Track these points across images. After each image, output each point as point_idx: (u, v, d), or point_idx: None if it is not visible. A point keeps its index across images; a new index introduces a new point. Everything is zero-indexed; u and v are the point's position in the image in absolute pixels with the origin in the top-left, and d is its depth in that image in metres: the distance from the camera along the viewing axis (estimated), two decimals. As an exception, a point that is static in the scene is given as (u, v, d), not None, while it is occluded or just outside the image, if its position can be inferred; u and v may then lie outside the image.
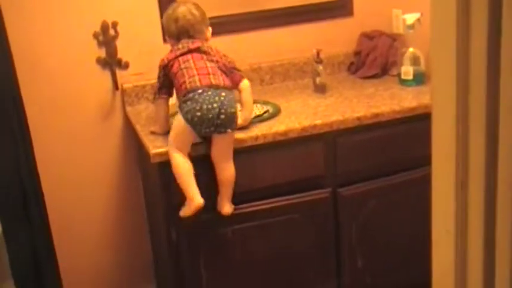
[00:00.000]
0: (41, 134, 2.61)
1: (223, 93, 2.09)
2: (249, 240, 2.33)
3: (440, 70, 0.98)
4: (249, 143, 2.22)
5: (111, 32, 2.61)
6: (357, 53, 2.93)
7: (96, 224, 2.81)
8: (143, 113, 2.58)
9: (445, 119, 0.96)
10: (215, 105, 2.06)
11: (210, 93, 2.07)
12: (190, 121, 2.08)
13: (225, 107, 2.07)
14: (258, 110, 2.51)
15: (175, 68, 2.16)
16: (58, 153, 2.67)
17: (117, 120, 2.71)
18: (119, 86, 2.67)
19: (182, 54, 2.17)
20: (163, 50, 2.61)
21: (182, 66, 2.14)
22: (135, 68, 2.68)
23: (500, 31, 0.84)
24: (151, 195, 2.57)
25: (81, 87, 2.64)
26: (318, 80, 2.67)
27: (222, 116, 2.07)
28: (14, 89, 2.46)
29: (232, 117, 2.10)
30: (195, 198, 2.11)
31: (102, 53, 2.63)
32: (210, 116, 2.06)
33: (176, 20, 2.23)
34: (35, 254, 2.59)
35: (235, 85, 2.21)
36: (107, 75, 2.66)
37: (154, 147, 2.16)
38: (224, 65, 2.20)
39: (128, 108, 2.67)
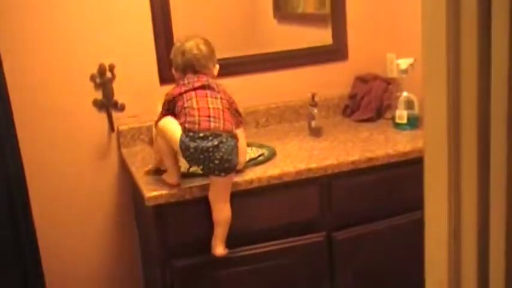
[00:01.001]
0: (36, 173, 2.61)
1: (223, 139, 2.08)
2: (243, 284, 2.32)
3: (432, 119, 0.99)
4: (244, 187, 2.22)
5: (108, 74, 2.64)
6: (352, 96, 2.96)
7: (88, 266, 2.79)
8: (139, 155, 2.58)
9: (436, 168, 0.96)
10: (205, 154, 2.06)
11: (205, 140, 2.07)
12: (184, 157, 2.11)
13: (220, 153, 2.07)
14: (253, 153, 2.52)
15: (179, 106, 2.16)
16: (52, 192, 2.67)
17: (113, 162, 2.72)
18: (115, 128, 2.69)
19: (186, 91, 2.18)
20: (160, 92, 2.64)
21: (185, 104, 2.14)
22: (131, 110, 2.69)
23: (489, 75, 0.85)
24: (146, 237, 2.56)
25: (77, 129, 2.65)
26: (313, 123, 2.69)
27: (216, 162, 2.07)
28: (11, 129, 2.47)
29: (228, 163, 2.10)
30: (173, 179, 2.18)
31: (99, 95, 2.65)
32: (201, 160, 2.08)
33: (183, 53, 2.25)
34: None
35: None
36: (103, 116, 2.67)
37: (149, 190, 2.16)
38: (228, 102, 2.21)
39: (124, 150, 2.68)
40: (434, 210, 0.99)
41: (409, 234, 2.45)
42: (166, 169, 2.22)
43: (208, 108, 2.13)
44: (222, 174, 2.10)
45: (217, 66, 2.33)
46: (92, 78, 2.63)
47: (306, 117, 2.79)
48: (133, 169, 2.42)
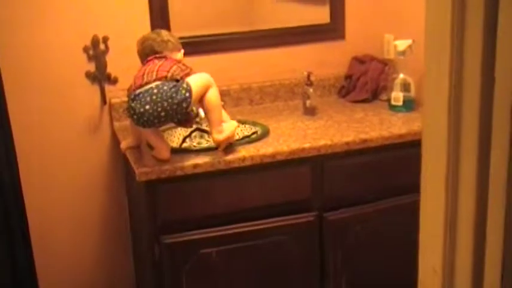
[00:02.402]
0: (27, 146, 2.58)
1: (154, 90, 2.04)
2: (233, 262, 2.31)
3: (432, 104, 0.96)
4: (237, 164, 2.20)
5: (102, 46, 2.60)
6: (348, 77, 2.93)
7: (79, 238, 2.77)
8: (130, 129, 2.55)
9: (435, 153, 0.94)
10: (147, 107, 2.03)
11: (141, 95, 2.04)
12: (135, 124, 2.12)
13: (159, 103, 2.04)
14: (247, 130, 2.50)
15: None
16: (43, 166, 2.64)
17: (105, 135, 2.69)
18: (107, 101, 2.65)
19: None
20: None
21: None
22: (124, 84, 2.64)
23: (494, 57, 0.83)
24: (136, 212, 2.54)
25: (69, 101, 2.62)
26: (308, 102, 2.66)
27: (163, 114, 2.05)
28: (1, 99, 2.43)
29: (178, 106, 2.06)
30: (163, 153, 2.14)
31: (92, 67, 2.61)
32: (152, 118, 2.06)
33: (142, 42, 2.29)
34: (14, 266, 2.54)
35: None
36: (95, 89, 2.64)
37: (141, 165, 2.14)
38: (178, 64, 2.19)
39: (116, 124, 2.65)
40: (431, 196, 0.97)
41: (401, 217, 2.44)
42: (154, 148, 2.19)
43: (148, 68, 2.12)
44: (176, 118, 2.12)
45: (182, 51, 2.31)
46: (85, 49, 2.59)
47: (301, 96, 2.76)
48: (124, 143, 2.39)
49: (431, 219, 0.94)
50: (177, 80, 2.10)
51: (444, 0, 0.87)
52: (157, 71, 2.10)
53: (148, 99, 2.03)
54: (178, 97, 2.05)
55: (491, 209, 0.86)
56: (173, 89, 2.05)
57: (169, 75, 2.09)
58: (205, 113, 2.21)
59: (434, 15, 0.91)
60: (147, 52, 2.25)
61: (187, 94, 2.07)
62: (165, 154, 2.15)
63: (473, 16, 0.85)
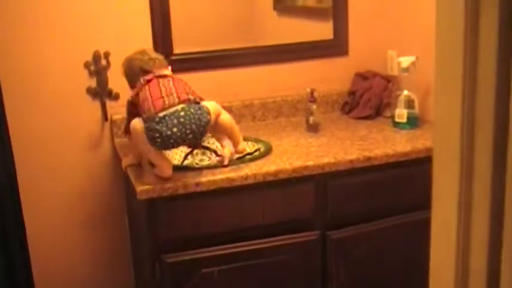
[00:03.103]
0: (27, 162, 2.56)
1: (181, 113, 2.03)
2: (235, 281, 2.27)
3: (444, 118, 0.93)
4: (239, 183, 2.17)
5: (103, 62, 2.58)
6: (351, 93, 2.91)
7: (79, 256, 2.74)
8: (131, 146, 2.52)
9: (446, 172, 0.91)
10: (174, 129, 2.02)
11: (167, 118, 2.02)
12: (155, 146, 2.07)
13: (188, 125, 2.03)
14: (249, 147, 2.48)
15: (139, 104, 2.13)
16: (42, 182, 2.61)
17: (106, 152, 2.67)
18: (109, 117, 2.63)
19: (140, 89, 2.15)
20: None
21: (141, 98, 2.11)
22: (125, 99, 2.60)
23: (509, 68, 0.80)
24: (137, 230, 2.51)
25: (70, 117, 2.59)
26: (311, 119, 2.64)
27: (190, 136, 2.05)
28: (1, 115, 2.40)
29: (201, 129, 2.07)
30: (165, 170, 2.11)
31: (93, 83, 2.59)
32: (177, 141, 2.05)
33: (129, 64, 2.25)
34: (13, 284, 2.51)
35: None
36: (96, 105, 2.62)
37: (142, 183, 2.11)
38: (184, 84, 2.18)
39: (117, 140, 2.62)
40: (442, 221, 0.94)
41: (405, 235, 2.42)
42: (155, 166, 2.16)
43: (160, 91, 2.10)
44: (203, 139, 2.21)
45: (169, 68, 2.28)
46: (86, 65, 2.57)
47: (304, 113, 2.74)
48: (125, 161, 2.37)
49: (442, 246, 0.91)
50: (197, 102, 2.11)
51: (456, 15, 0.85)
52: (177, 93, 2.09)
53: (175, 121, 2.02)
54: (203, 119, 2.07)
55: (506, 234, 0.83)
56: (199, 111, 2.06)
57: (191, 98, 2.10)
58: (226, 133, 2.27)
59: (446, 28, 0.88)
60: (136, 72, 2.22)
61: (208, 117, 2.09)
62: (167, 172, 2.12)
63: (486, 29, 0.82)
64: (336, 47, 2.91)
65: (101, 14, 2.55)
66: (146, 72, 2.20)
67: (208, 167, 2.25)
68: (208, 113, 2.10)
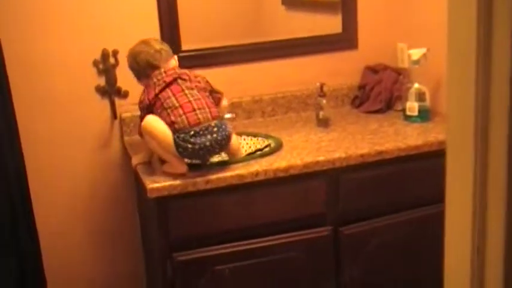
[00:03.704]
0: (36, 161, 2.55)
1: (214, 128, 2.11)
2: (246, 279, 2.26)
3: (457, 113, 0.90)
4: (250, 179, 2.15)
5: (111, 60, 2.57)
6: (361, 87, 2.88)
7: (89, 256, 2.74)
8: (142, 144, 2.51)
9: (460, 170, 0.89)
10: (207, 143, 2.10)
11: (201, 133, 2.09)
12: (182, 155, 2.12)
13: (219, 141, 2.12)
14: (259, 143, 2.46)
15: (157, 107, 2.13)
16: (52, 181, 2.61)
17: (115, 150, 2.66)
18: (118, 115, 2.62)
19: (161, 91, 2.14)
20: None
21: (165, 105, 2.11)
22: (134, 97, 2.61)
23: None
24: (148, 228, 2.50)
25: (79, 115, 2.59)
26: (321, 114, 2.61)
27: (217, 150, 2.16)
28: (11, 115, 2.39)
29: (226, 141, 2.17)
30: (180, 167, 2.13)
31: (102, 81, 2.58)
32: (207, 153, 2.15)
33: (135, 57, 2.23)
34: (24, 279, 2.50)
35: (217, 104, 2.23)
36: (105, 103, 2.61)
37: (152, 181, 2.10)
38: (203, 86, 2.21)
39: (126, 138, 2.61)
40: (456, 215, 0.92)
41: (419, 229, 2.39)
42: (169, 163, 2.16)
43: (190, 101, 2.12)
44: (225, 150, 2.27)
45: (176, 57, 2.28)
46: (95, 63, 2.56)
47: (314, 108, 2.72)
48: (135, 159, 2.36)
49: (456, 248, 0.89)
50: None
51: (468, 4, 0.82)
52: (208, 107, 2.14)
53: (209, 137, 2.10)
54: (228, 130, 2.17)
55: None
56: (225, 125, 2.16)
57: (220, 114, 2.21)
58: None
59: (458, 18, 0.85)
60: (143, 66, 2.21)
61: (230, 128, 2.20)
62: (182, 168, 2.12)
63: (499, 17, 0.79)
64: (345, 40, 2.88)
65: (109, 12, 2.53)
66: (154, 67, 2.19)
67: (219, 164, 2.24)
68: (229, 126, 2.20)
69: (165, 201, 2.10)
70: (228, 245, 2.21)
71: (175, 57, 2.28)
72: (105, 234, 2.73)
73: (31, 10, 2.44)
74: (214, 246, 2.19)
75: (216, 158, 2.44)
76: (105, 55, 2.55)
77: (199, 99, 2.14)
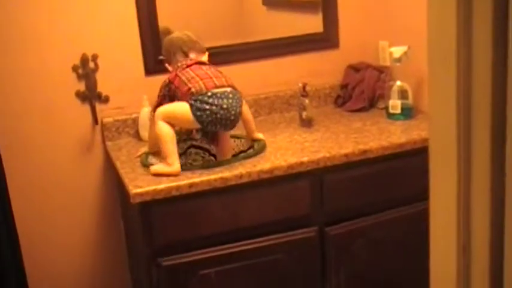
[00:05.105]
0: (17, 169, 2.52)
1: (230, 95, 2.17)
2: (233, 282, 2.24)
3: (439, 109, 0.89)
4: (234, 182, 2.14)
5: (91, 65, 2.54)
6: (344, 86, 2.88)
7: (74, 264, 2.71)
8: (124, 149, 2.49)
9: (443, 168, 0.88)
10: (224, 106, 2.14)
11: (218, 95, 2.14)
12: (200, 121, 2.14)
13: (234, 107, 2.17)
14: (243, 145, 2.44)
15: (176, 84, 2.20)
16: (34, 188, 2.58)
17: (97, 156, 2.63)
18: (99, 121, 2.59)
19: (181, 71, 2.22)
20: (145, 84, 2.57)
21: (183, 79, 2.19)
22: (115, 102, 2.60)
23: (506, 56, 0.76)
24: (132, 234, 2.47)
25: (59, 121, 2.55)
26: (304, 114, 2.60)
27: (232, 118, 2.17)
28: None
29: (240, 111, 2.22)
30: (175, 165, 2.13)
31: (82, 86, 2.55)
32: (223, 118, 2.15)
33: (171, 42, 2.34)
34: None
35: None
36: (86, 109, 2.58)
37: (135, 186, 2.07)
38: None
39: (108, 143, 2.59)
40: (441, 213, 0.91)
41: (405, 227, 2.39)
42: (164, 156, 2.15)
43: (206, 73, 2.21)
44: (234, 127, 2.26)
45: (207, 53, 2.36)
46: (74, 68, 2.53)
47: (297, 108, 2.70)
48: (118, 164, 2.33)
49: (442, 247, 0.88)
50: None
51: (448, 2, 0.81)
52: (224, 77, 2.23)
53: (225, 100, 2.15)
54: (241, 104, 2.24)
55: (508, 230, 0.80)
56: (240, 97, 2.23)
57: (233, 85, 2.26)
58: (243, 120, 2.36)
59: (438, 15, 0.84)
60: (174, 49, 2.30)
61: (243, 103, 2.28)
62: (177, 168, 2.13)
63: (480, 15, 0.79)
64: (326, 39, 2.87)
65: (88, 16, 2.50)
66: (184, 53, 2.29)
67: (203, 166, 2.22)
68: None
69: (149, 206, 2.08)
70: (214, 248, 2.19)
71: (207, 53, 2.35)
72: (89, 241, 2.70)
73: (9, 13, 2.40)
74: (200, 250, 2.17)
75: (199, 161, 2.42)
76: (84, 60, 2.52)
77: (216, 71, 2.23)
